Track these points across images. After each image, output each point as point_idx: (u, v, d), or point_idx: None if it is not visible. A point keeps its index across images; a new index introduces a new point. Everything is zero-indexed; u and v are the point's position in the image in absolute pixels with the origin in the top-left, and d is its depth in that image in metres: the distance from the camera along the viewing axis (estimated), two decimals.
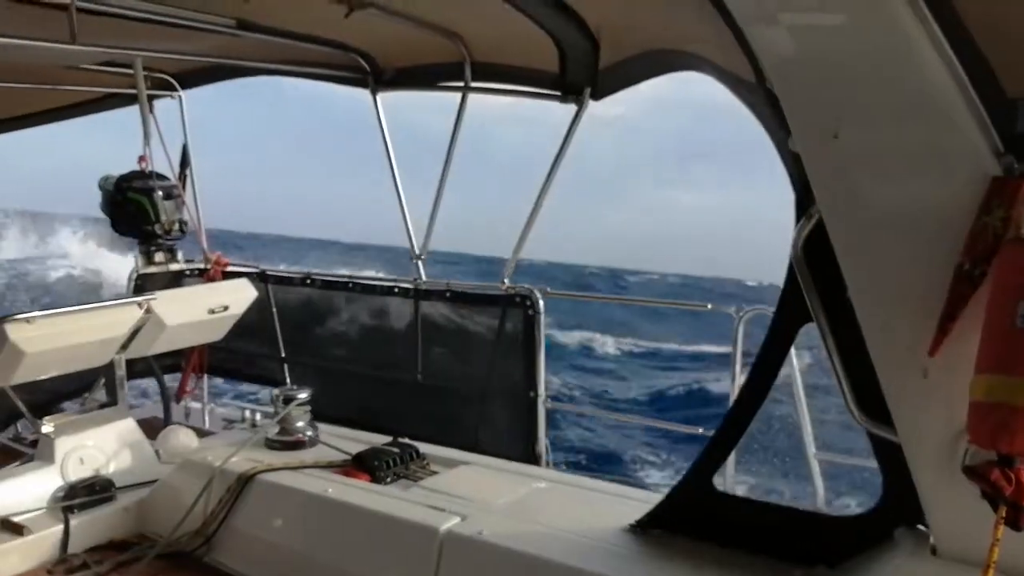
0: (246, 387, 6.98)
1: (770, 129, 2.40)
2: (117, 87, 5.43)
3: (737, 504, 2.79)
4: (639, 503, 2.98)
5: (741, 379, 3.54)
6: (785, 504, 2.64)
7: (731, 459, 3.07)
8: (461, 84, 4.50)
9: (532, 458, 4.31)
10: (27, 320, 3.56)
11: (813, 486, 3.67)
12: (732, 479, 3.48)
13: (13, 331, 3.49)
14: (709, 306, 4.36)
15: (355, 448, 3.71)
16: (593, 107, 4.17)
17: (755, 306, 3.86)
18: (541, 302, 4.36)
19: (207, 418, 5.74)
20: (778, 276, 2.41)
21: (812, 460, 3.68)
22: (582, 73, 4.05)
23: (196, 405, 5.85)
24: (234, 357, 5.71)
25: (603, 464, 10.56)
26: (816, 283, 2.29)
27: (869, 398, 2.25)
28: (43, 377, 3.91)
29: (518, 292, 4.43)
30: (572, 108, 4.21)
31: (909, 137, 1.93)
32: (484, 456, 3.78)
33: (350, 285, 5.27)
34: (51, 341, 3.66)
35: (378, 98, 4.88)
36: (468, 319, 4.70)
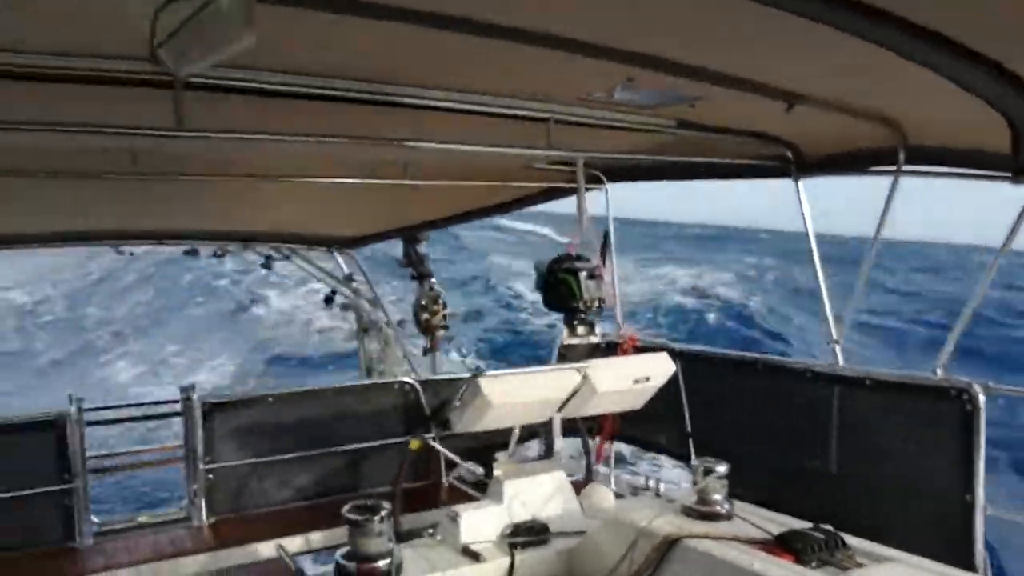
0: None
1: None
2: (553, 182, 6.26)
3: None
4: None
5: None
6: None
7: None
8: (893, 168, 4.42)
9: (969, 568, 3.91)
10: (495, 376, 4.27)
11: None
12: None
13: (485, 385, 4.20)
14: None
15: (772, 527, 3.71)
16: None
17: None
18: (982, 397, 4.00)
19: (613, 482, 6.14)
20: None
21: None
22: None
23: (604, 469, 6.30)
24: (642, 427, 6.07)
25: None
26: None
27: None
28: (498, 427, 4.58)
29: (953, 385, 4.11)
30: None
31: None
32: (914, 556, 3.55)
33: (759, 366, 5.33)
34: (510, 396, 4.32)
35: (799, 184, 4.99)
36: (891, 410, 4.45)
